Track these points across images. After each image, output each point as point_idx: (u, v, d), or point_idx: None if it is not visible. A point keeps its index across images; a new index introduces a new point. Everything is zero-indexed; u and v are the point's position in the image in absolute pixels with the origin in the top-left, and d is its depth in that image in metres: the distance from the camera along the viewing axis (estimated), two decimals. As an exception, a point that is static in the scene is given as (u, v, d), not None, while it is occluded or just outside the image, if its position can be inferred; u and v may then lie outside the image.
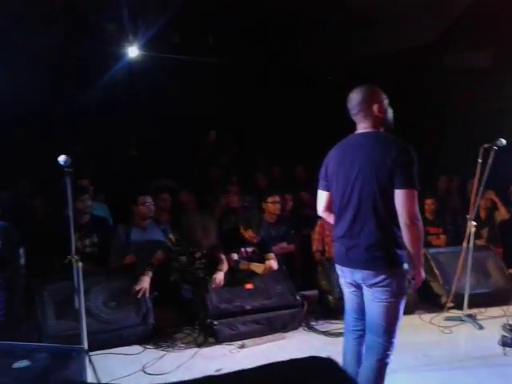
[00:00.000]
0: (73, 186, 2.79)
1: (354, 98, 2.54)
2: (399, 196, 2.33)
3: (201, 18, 6.96)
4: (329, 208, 2.72)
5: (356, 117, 2.55)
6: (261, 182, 6.37)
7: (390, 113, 2.60)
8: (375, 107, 2.50)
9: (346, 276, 2.63)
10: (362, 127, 2.54)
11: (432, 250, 4.78)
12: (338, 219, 2.61)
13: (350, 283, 2.63)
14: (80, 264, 2.82)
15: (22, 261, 4.01)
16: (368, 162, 2.42)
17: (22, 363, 1.16)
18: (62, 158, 2.70)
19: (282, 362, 1.20)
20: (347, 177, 2.50)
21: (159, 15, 6.51)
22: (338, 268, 2.67)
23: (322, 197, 2.73)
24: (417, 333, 3.90)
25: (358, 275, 2.52)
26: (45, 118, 6.69)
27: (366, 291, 2.53)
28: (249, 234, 4.40)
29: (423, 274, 2.50)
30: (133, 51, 7.43)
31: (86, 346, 2.95)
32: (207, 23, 7.22)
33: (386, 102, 2.56)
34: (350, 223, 2.50)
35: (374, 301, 2.49)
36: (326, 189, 2.69)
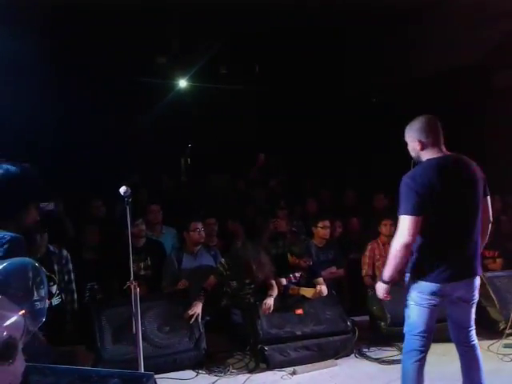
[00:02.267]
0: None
1: (436, 122, 2.76)
2: (488, 201, 2.82)
3: (247, 49, 7.16)
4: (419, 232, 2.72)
5: (437, 139, 2.73)
6: (311, 207, 6.38)
7: None
8: None
9: (446, 292, 2.70)
10: (443, 150, 2.74)
11: (489, 274, 4.62)
12: (447, 237, 2.67)
13: (440, 299, 2.72)
14: (138, 290, 2.94)
15: (73, 285, 4.21)
16: (473, 180, 2.71)
17: (99, 388, 1.23)
18: (122, 189, 2.85)
19: None
20: (458, 195, 2.66)
21: (207, 47, 6.77)
22: (437, 286, 2.67)
23: (417, 222, 2.62)
24: (474, 361, 3.77)
25: (462, 285, 2.70)
26: (99, 148, 7.00)
27: (468, 298, 2.77)
28: (297, 260, 4.44)
29: None
30: (182, 83, 7.78)
31: (142, 370, 3.04)
32: (253, 53, 7.42)
33: None
34: (463, 237, 2.69)
35: (473, 302, 2.79)
36: (423, 213, 2.62)
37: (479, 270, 2.77)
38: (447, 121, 2.83)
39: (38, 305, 1.08)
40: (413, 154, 2.80)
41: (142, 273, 4.48)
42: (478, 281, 2.78)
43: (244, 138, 7.83)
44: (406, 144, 2.84)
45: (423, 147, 2.72)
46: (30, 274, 1.08)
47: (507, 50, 6.50)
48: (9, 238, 1.65)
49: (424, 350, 2.77)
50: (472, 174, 2.73)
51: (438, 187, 2.61)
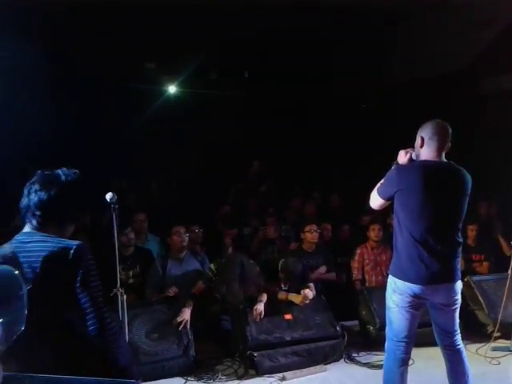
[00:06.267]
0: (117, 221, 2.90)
1: (445, 130, 2.75)
2: None
3: (236, 55, 7.18)
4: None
5: (439, 144, 2.73)
6: (309, 209, 6.33)
7: None
8: None
9: (426, 295, 2.70)
10: (441, 156, 2.76)
11: (476, 278, 4.65)
12: (424, 240, 2.67)
13: (421, 301, 2.72)
14: (125, 297, 2.92)
15: None
16: (458, 187, 2.75)
17: (83, 397, 1.21)
18: (108, 195, 2.79)
19: None
20: (440, 199, 2.68)
21: (197, 53, 6.78)
22: (417, 288, 2.68)
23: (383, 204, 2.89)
24: (463, 364, 3.77)
25: (442, 290, 2.70)
26: (87, 154, 6.94)
27: (449, 302, 2.76)
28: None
29: None
30: (172, 88, 7.79)
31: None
32: (242, 59, 7.44)
33: None
34: (440, 241, 2.68)
35: (456, 307, 2.78)
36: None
37: (459, 274, 2.77)
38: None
39: (17, 314, 1.07)
40: (415, 150, 2.84)
41: (131, 281, 4.41)
42: (459, 285, 2.78)
43: (233, 143, 7.82)
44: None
45: (422, 145, 2.75)
46: (9, 283, 1.07)
47: (494, 55, 6.59)
48: (75, 246, 1.73)
49: (409, 356, 2.80)
50: (459, 182, 2.74)
51: (421, 189, 2.64)
